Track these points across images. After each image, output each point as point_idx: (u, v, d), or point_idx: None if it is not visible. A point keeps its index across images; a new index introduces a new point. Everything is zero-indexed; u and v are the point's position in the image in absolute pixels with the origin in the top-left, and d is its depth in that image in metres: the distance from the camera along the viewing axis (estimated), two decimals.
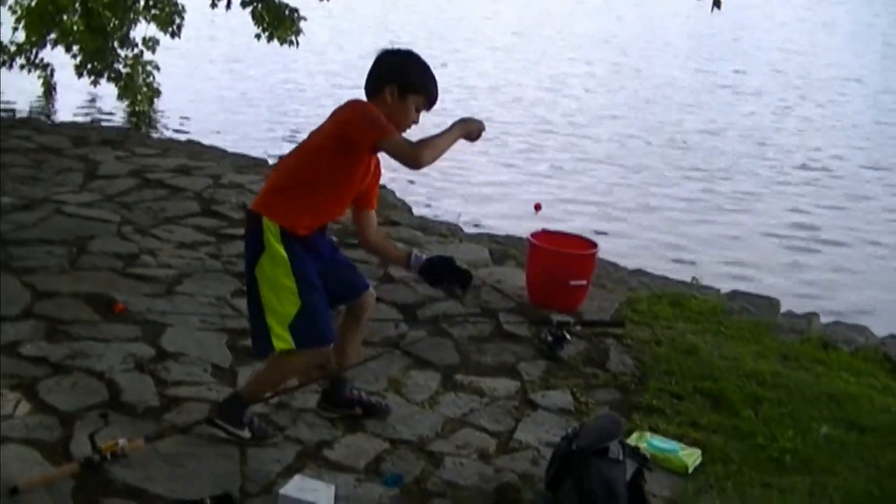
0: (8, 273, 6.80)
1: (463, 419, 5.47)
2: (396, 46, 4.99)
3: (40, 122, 13.40)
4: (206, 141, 12.44)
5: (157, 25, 14.82)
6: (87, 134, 11.59)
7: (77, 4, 13.96)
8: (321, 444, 5.02)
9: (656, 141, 16.78)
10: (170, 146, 11.53)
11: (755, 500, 4.87)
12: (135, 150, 10.72)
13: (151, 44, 14.98)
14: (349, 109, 4.63)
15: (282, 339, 4.66)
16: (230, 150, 11.94)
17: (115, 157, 10.27)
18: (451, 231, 9.01)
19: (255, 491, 4.54)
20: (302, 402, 5.41)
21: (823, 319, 8.06)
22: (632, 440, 5.13)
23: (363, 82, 4.78)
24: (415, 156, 4.45)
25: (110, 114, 15.58)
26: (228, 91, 18.81)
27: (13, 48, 14.60)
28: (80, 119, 14.98)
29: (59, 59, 15.10)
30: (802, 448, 5.34)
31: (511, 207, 11.63)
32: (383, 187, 9.70)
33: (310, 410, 5.32)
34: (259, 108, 17.41)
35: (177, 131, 14.63)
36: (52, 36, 14.39)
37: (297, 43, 14.48)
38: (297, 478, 4.55)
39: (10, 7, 14.06)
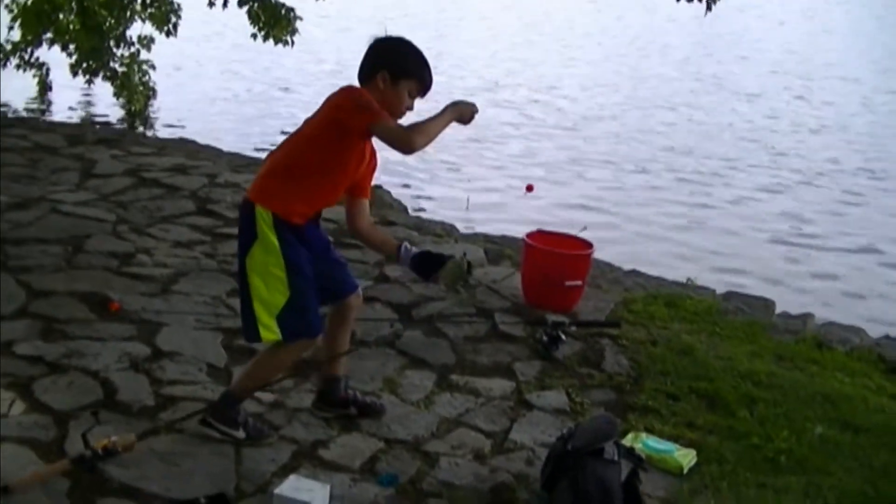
0: (4, 272, 6.79)
1: (458, 419, 5.47)
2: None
3: (36, 120, 13.40)
4: (201, 140, 12.43)
5: (153, 24, 14.81)
6: (82, 133, 11.60)
7: (73, 3, 13.94)
8: (316, 444, 5.02)
9: (652, 142, 16.77)
10: (165, 145, 11.52)
11: (750, 500, 4.87)
12: (130, 149, 10.72)
13: (147, 42, 14.96)
14: (341, 95, 4.62)
15: (269, 329, 4.67)
16: (226, 149, 11.94)
17: (111, 156, 10.26)
18: (446, 231, 9.01)
19: (250, 490, 4.54)
20: (297, 401, 5.42)
21: (818, 320, 8.06)
22: (627, 441, 5.13)
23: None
24: (407, 140, 4.46)
25: (106, 114, 15.56)
26: (224, 90, 18.80)
27: (9, 47, 14.59)
28: (75, 118, 14.99)
29: (55, 58, 15.08)
30: (797, 448, 5.35)
31: (508, 210, 11.65)
32: (379, 188, 9.74)
33: (305, 410, 5.32)
34: (255, 108, 17.41)
35: (172, 129, 14.61)
36: (48, 35, 14.36)
37: (293, 42, 14.48)
38: (292, 477, 4.54)
39: (6, 6, 14.04)
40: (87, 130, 12.29)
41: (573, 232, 7.23)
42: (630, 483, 4.58)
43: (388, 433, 5.21)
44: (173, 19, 14.75)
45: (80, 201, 8.60)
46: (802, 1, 53.71)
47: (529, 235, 7.41)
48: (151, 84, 15.42)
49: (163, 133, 14.26)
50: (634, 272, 8.74)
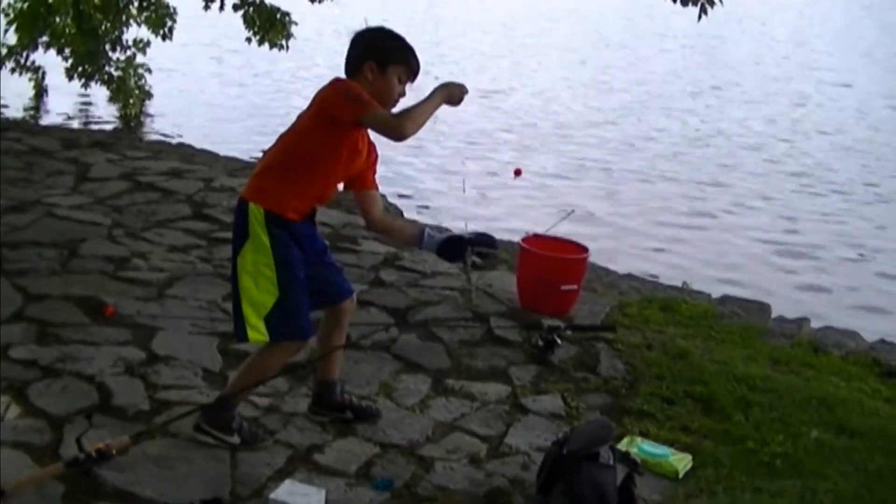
0: None
1: (454, 424, 5.47)
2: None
3: (31, 124, 13.40)
4: (197, 144, 12.43)
5: (149, 28, 14.81)
6: (78, 136, 11.60)
7: (69, 7, 13.94)
8: (312, 449, 5.01)
9: (647, 148, 16.77)
10: (161, 149, 11.52)
11: None
12: (126, 153, 10.71)
13: (143, 46, 14.97)
14: (330, 88, 4.62)
15: (256, 330, 4.66)
16: (222, 153, 11.94)
17: (107, 160, 10.26)
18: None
19: (245, 495, 4.53)
20: (292, 405, 5.41)
21: (814, 324, 8.07)
22: (622, 445, 5.13)
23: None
24: (397, 127, 4.45)
25: (101, 118, 15.56)
26: (220, 94, 18.83)
27: (4, 51, 14.59)
28: (71, 121, 14.99)
29: (51, 61, 15.09)
30: (793, 452, 5.35)
31: (502, 215, 11.66)
32: None
33: (300, 414, 5.31)
34: (251, 112, 17.41)
35: (168, 134, 14.61)
36: (44, 38, 14.36)
37: (288, 47, 14.50)
38: (287, 482, 4.54)
39: (2, 10, 14.04)
40: (83, 134, 12.29)
41: (564, 220, 7.14)
42: (625, 487, 4.58)
43: (383, 437, 5.20)
44: (169, 23, 14.77)
45: (75, 205, 8.60)
46: (798, 5, 53.80)
47: (525, 239, 7.40)
48: (147, 88, 15.43)
49: (158, 137, 14.24)
50: (630, 276, 8.76)
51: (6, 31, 14.33)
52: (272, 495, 4.39)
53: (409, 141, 4.57)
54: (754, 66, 28.96)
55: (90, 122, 15.28)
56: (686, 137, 17.95)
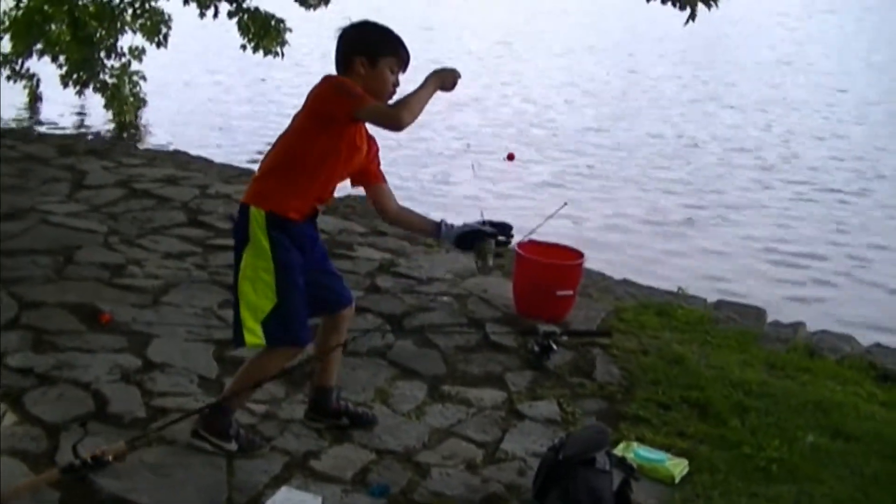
0: None
1: (449, 429, 5.47)
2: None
3: (26, 131, 13.39)
4: (192, 151, 12.44)
5: (144, 35, 14.82)
6: (73, 143, 11.62)
7: (64, 14, 13.95)
8: (308, 455, 5.01)
9: (641, 153, 16.77)
10: (156, 156, 11.53)
11: None
12: (121, 160, 10.72)
13: (138, 53, 14.97)
14: (322, 85, 4.62)
15: (253, 334, 4.65)
16: (217, 160, 11.94)
17: (102, 167, 10.27)
18: (436, 241, 9.00)
19: (242, 502, 4.53)
20: (289, 412, 5.41)
21: (809, 329, 8.07)
22: (618, 450, 5.13)
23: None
24: (394, 117, 4.45)
25: (97, 125, 15.56)
26: (215, 102, 18.82)
27: None
28: (66, 129, 14.98)
29: (45, 69, 15.09)
30: (789, 457, 5.35)
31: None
32: None
33: (297, 421, 5.31)
34: (245, 119, 17.42)
35: (163, 140, 14.61)
36: (38, 46, 14.37)
37: (283, 54, 14.52)
38: (283, 489, 4.54)
39: None
40: (78, 141, 12.31)
41: (557, 212, 7.11)
42: (622, 492, 4.59)
43: (379, 444, 5.20)
44: (164, 30, 14.79)
45: (70, 212, 8.60)
46: (796, 10, 53.84)
47: (521, 245, 7.39)
48: (142, 95, 15.44)
49: (154, 144, 14.25)
50: (625, 281, 8.75)
51: (1, 38, 14.34)
52: (269, 502, 4.39)
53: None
54: (750, 70, 28.93)
55: (85, 130, 15.28)
56: (681, 143, 17.93)
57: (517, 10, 44.55)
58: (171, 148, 12.95)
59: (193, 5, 14.13)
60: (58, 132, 14.34)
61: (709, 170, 15.95)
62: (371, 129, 4.82)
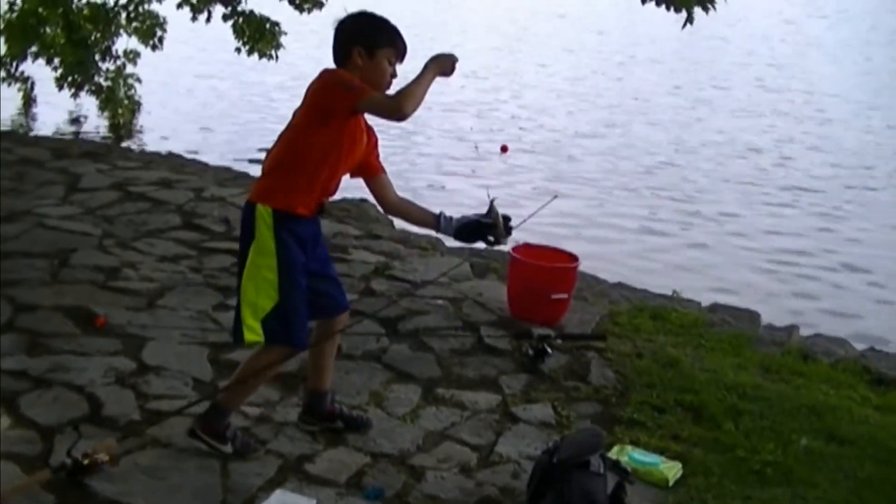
0: None
1: (444, 433, 5.47)
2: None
3: (21, 134, 13.39)
4: (187, 154, 12.44)
5: (139, 38, 14.82)
6: (68, 146, 11.59)
7: (59, 17, 13.94)
8: (302, 458, 5.01)
9: (635, 158, 16.75)
10: (151, 159, 11.51)
11: None
12: (116, 163, 10.70)
13: (133, 56, 14.97)
14: (320, 80, 4.63)
15: (252, 331, 4.66)
16: (212, 163, 11.94)
17: (97, 170, 10.25)
18: (431, 244, 9.00)
19: None
20: (283, 415, 5.42)
21: (803, 332, 8.08)
22: (613, 453, 5.14)
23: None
24: (396, 107, 4.46)
25: (91, 128, 15.56)
26: (210, 105, 18.82)
27: None
28: (61, 132, 14.98)
29: (40, 72, 15.08)
30: (783, 460, 5.36)
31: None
32: (364, 201, 9.73)
33: (291, 424, 5.31)
34: (240, 122, 17.43)
35: (158, 143, 14.60)
36: (33, 49, 14.36)
37: (277, 57, 14.51)
38: (277, 492, 4.55)
39: None
40: (73, 144, 12.28)
41: (548, 204, 7.09)
42: (616, 496, 4.60)
43: (374, 447, 5.21)
44: (159, 33, 14.78)
45: (65, 215, 8.59)
46: (787, 15, 53.86)
47: (515, 248, 7.40)
48: (137, 98, 15.44)
49: (148, 147, 14.23)
50: (620, 285, 8.75)
51: None
52: None
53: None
54: (745, 75, 28.92)
55: (80, 133, 15.27)
56: (675, 147, 17.93)
57: (515, 11, 44.58)
58: (166, 151, 12.93)
59: (187, 9, 14.13)
60: (53, 135, 14.33)
61: (703, 174, 15.94)
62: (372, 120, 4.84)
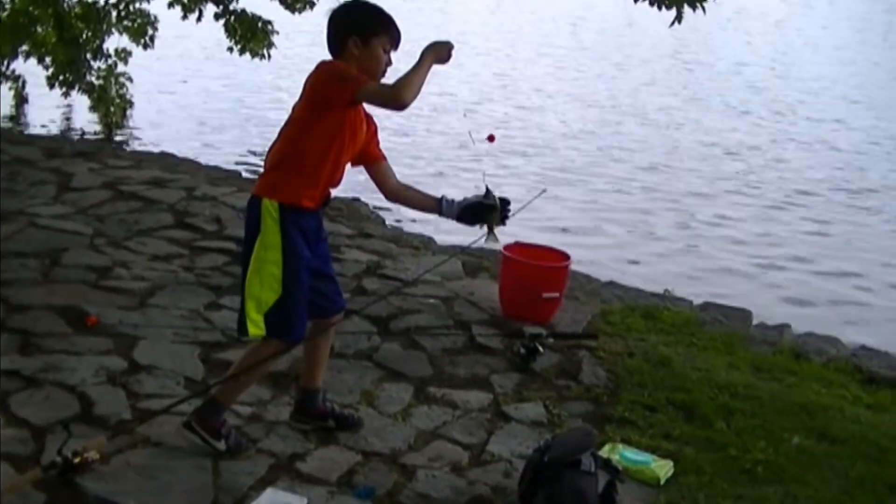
0: None
1: (436, 431, 5.48)
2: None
3: (13, 133, 13.36)
4: (179, 153, 12.41)
5: (130, 37, 14.79)
6: (60, 146, 11.57)
7: (50, 16, 13.91)
8: (294, 457, 5.01)
9: (628, 160, 16.73)
10: (143, 158, 11.49)
11: None
12: (108, 162, 10.69)
13: (124, 55, 14.94)
14: (318, 72, 4.64)
15: (255, 325, 4.68)
16: (204, 162, 11.93)
17: (89, 169, 10.23)
18: (423, 243, 9.01)
19: (227, 503, 4.54)
20: (275, 414, 5.42)
21: (795, 331, 8.09)
22: (604, 452, 5.15)
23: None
24: (395, 96, 4.46)
25: (83, 127, 15.53)
26: (202, 104, 18.76)
27: None
28: (52, 131, 14.95)
29: (31, 70, 15.06)
30: (774, 459, 5.36)
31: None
32: (356, 200, 9.73)
33: (283, 423, 5.32)
34: (233, 121, 17.39)
35: (150, 142, 14.58)
36: (24, 48, 14.32)
37: (270, 56, 14.49)
38: (269, 491, 4.55)
39: None
40: (65, 143, 12.27)
41: (536, 198, 7.06)
42: (607, 494, 4.60)
43: (365, 446, 5.21)
44: (150, 31, 14.74)
45: (57, 214, 8.58)
46: (781, 15, 53.88)
47: (507, 247, 7.40)
48: (129, 97, 15.41)
49: (140, 146, 14.21)
50: (612, 284, 8.75)
51: None
52: None
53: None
54: (737, 75, 28.91)
55: (72, 132, 15.24)
56: (667, 147, 17.92)
57: (504, 11, 44.60)
58: (158, 150, 12.90)
59: (178, 7, 14.11)
60: (44, 134, 14.31)
61: (695, 173, 15.92)
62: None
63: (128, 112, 15.70)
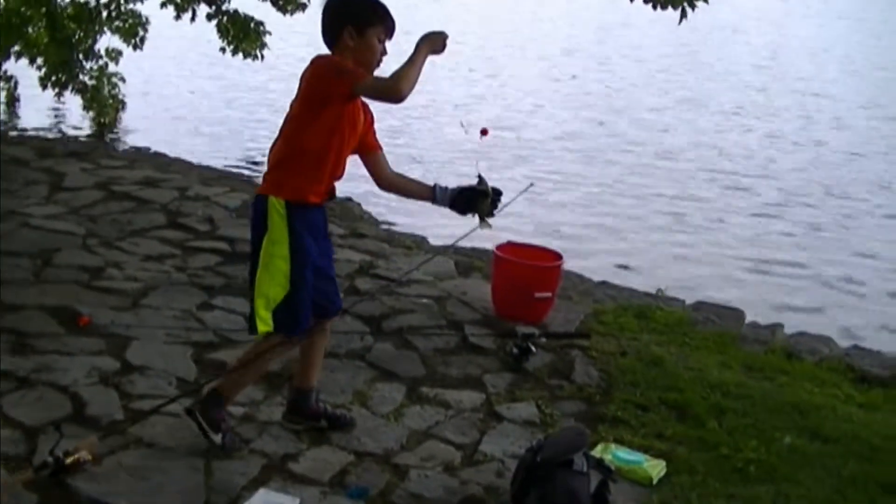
0: None
1: (428, 431, 5.48)
2: None
3: (5, 133, 13.34)
4: (171, 153, 12.41)
5: (121, 37, 14.78)
6: (52, 146, 11.57)
7: (42, 16, 13.90)
8: (286, 457, 5.01)
9: (622, 161, 16.72)
10: (136, 158, 11.49)
11: None
12: (100, 162, 10.68)
13: (115, 55, 14.92)
14: (314, 67, 4.64)
15: (264, 322, 4.71)
16: (196, 162, 11.93)
17: (81, 170, 10.23)
18: (416, 243, 9.02)
19: None
20: (268, 414, 5.41)
21: (787, 330, 8.09)
22: (597, 452, 5.15)
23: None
24: (392, 89, 4.46)
25: (76, 126, 15.52)
26: (194, 104, 18.76)
27: None
28: (45, 131, 14.94)
29: (23, 70, 15.04)
30: (766, 458, 5.37)
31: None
32: (349, 200, 9.73)
33: (275, 423, 5.31)
34: (225, 121, 17.38)
35: (142, 142, 14.54)
36: (16, 48, 14.31)
37: (262, 56, 14.49)
38: (261, 491, 4.55)
39: None
40: (57, 143, 12.26)
41: (523, 193, 7.03)
42: (599, 494, 4.60)
43: (358, 446, 5.21)
44: (140, 32, 14.74)
45: (49, 215, 8.57)
46: (776, 14, 53.92)
47: (499, 247, 7.41)
48: (121, 97, 15.40)
49: (133, 146, 14.19)
50: (604, 284, 8.76)
51: None
52: None
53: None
54: (731, 77, 28.90)
55: (64, 132, 15.23)
56: (660, 149, 17.90)
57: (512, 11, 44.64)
58: (151, 150, 12.89)
59: (171, 8, 14.13)
60: (37, 134, 14.29)
61: (688, 175, 15.90)
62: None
63: (120, 112, 15.68)
